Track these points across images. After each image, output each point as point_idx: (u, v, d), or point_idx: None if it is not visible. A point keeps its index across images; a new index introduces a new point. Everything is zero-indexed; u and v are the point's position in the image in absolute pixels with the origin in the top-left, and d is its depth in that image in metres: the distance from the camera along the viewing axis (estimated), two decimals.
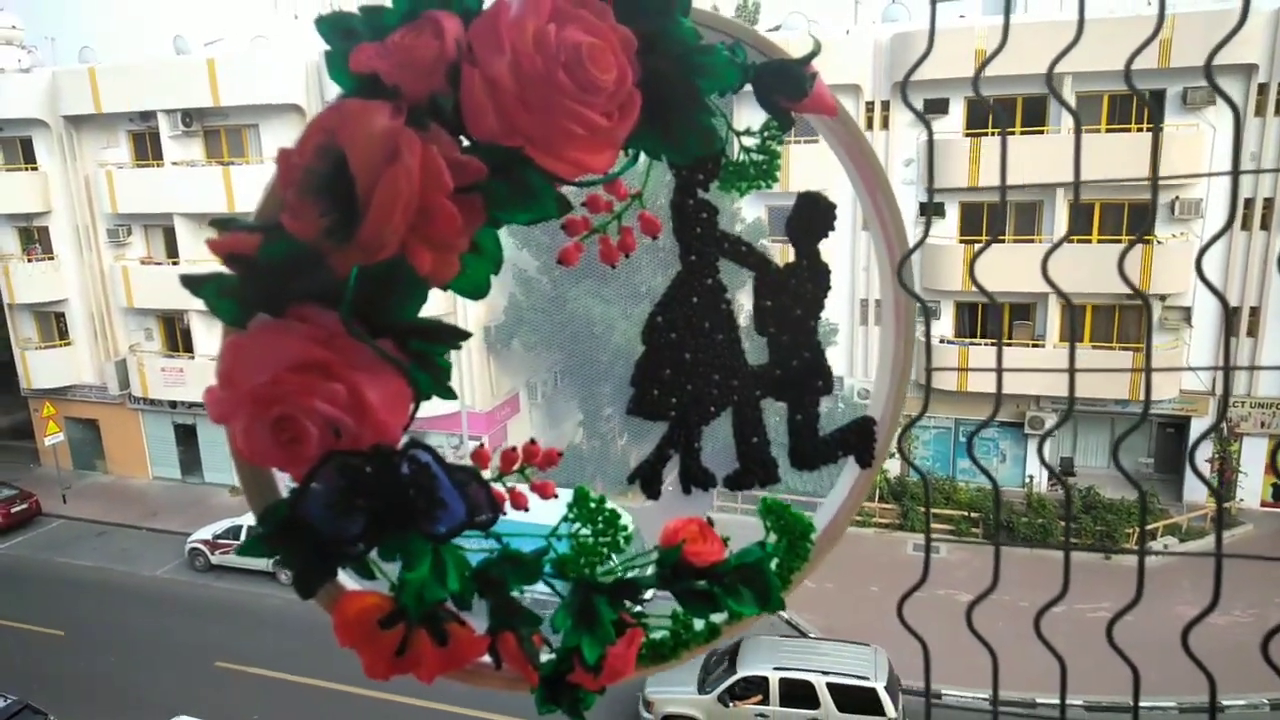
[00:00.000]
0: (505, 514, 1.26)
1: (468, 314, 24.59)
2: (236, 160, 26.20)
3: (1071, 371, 1.71)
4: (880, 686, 14.49)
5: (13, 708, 15.72)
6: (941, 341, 24.00)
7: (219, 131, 26.45)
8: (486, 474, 1.26)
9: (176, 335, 28.18)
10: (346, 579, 1.25)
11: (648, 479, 1.56)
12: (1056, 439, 24.22)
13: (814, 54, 1.33)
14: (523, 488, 1.40)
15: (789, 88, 1.31)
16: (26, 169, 27.96)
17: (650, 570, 1.45)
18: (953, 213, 23.71)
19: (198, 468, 28.70)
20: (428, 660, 1.22)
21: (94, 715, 16.76)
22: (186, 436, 28.64)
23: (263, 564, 21.69)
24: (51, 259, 28.44)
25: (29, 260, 28.52)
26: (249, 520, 22.56)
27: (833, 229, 1.64)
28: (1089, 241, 22.27)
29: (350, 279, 1.02)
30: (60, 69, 27.48)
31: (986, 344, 23.36)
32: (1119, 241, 21.51)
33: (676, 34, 1.13)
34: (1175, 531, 22.10)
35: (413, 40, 1.01)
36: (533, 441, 1.44)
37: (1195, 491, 22.99)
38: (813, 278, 1.63)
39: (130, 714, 16.43)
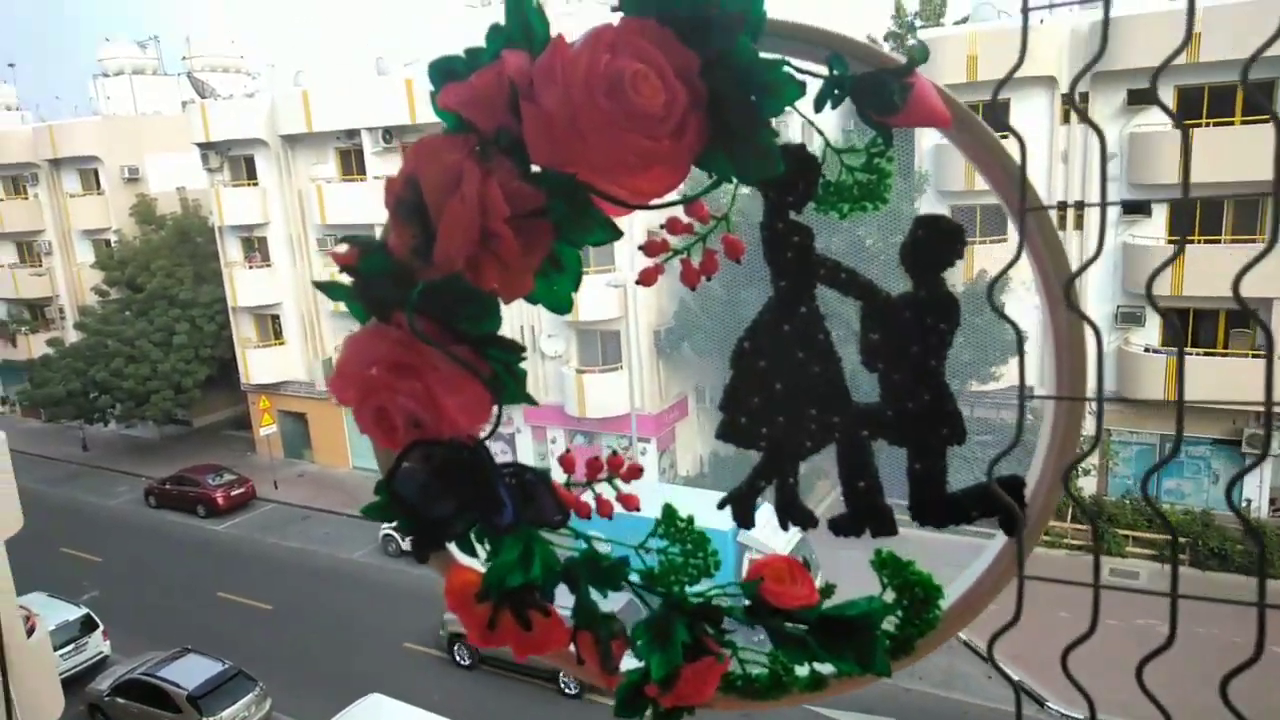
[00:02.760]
0: (583, 517, 1.33)
1: (638, 320, 25.01)
2: None
3: None
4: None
5: (228, 673, 17.35)
6: (1146, 350, 22.17)
7: None
8: (569, 478, 1.36)
9: None
10: (459, 552, 1.34)
11: (739, 507, 1.50)
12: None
13: (915, 63, 1.20)
14: (611, 495, 1.44)
15: (878, 101, 1.20)
16: (249, 184, 30.90)
17: (738, 602, 1.42)
18: (1160, 211, 21.85)
19: None
20: (515, 639, 1.30)
21: (295, 685, 18.24)
22: None
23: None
24: (269, 266, 31.27)
25: (250, 267, 31.49)
26: None
27: (959, 256, 1.43)
28: None
29: (416, 289, 1.12)
30: (278, 93, 30.19)
31: (1199, 353, 21.35)
32: None
33: (734, 53, 1.09)
34: None
35: (483, 78, 1.08)
36: (615, 453, 1.45)
37: None
38: (933, 311, 1.42)
39: (328, 687, 17.75)
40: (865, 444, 1.46)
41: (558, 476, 1.37)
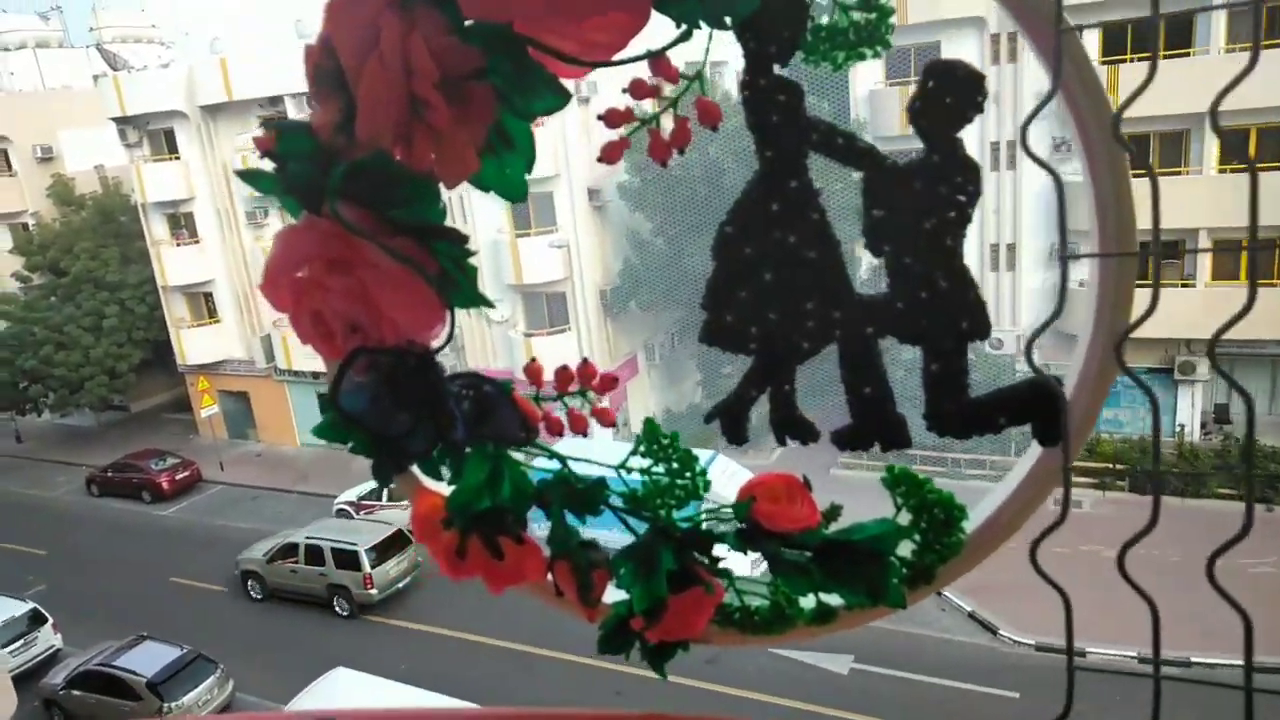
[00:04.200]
0: (554, 435, 1.23)
1: (583, 279, 24.87)
2: None
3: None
4: (362, 549, 19.63)
5: (187, 657, 17.09)
6: (1080, 285, 22.70)
7: None
8: (537, 392, 1.24)
9: None
10: (424, 476, 1.25)
11: (729, 422, 1.29)
12: (1211, 384, 22.65)
13: None
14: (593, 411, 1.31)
15: None
16: (171, 159, 29.76)
17: (730, 526, 1.28)
18: None
19: None
20: (486, 569, 1.22)
21: (260, 666, 18.05)
22: (329, 406, 30.11)
23: (404, 521, 22.77)
24: (198, 242, 30.28)
25: (177, 245, 30.46)
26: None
27: (978, 110, 1.22)
28: (1243, 171, 20.52)
29: (337, 171, 0.99)
30: (195, 62, 29.02)
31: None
32: None
33: None
34: None
35: None
36: (586, 361, 1.29)
37: None
38: (949, 178, 1.20)
39: (293, 663, 17.61)
40: (871, 343, 1.26)
41: (525, 391, 1.24)
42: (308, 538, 20.68)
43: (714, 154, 22.72)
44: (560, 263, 24.96)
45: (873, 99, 23.39)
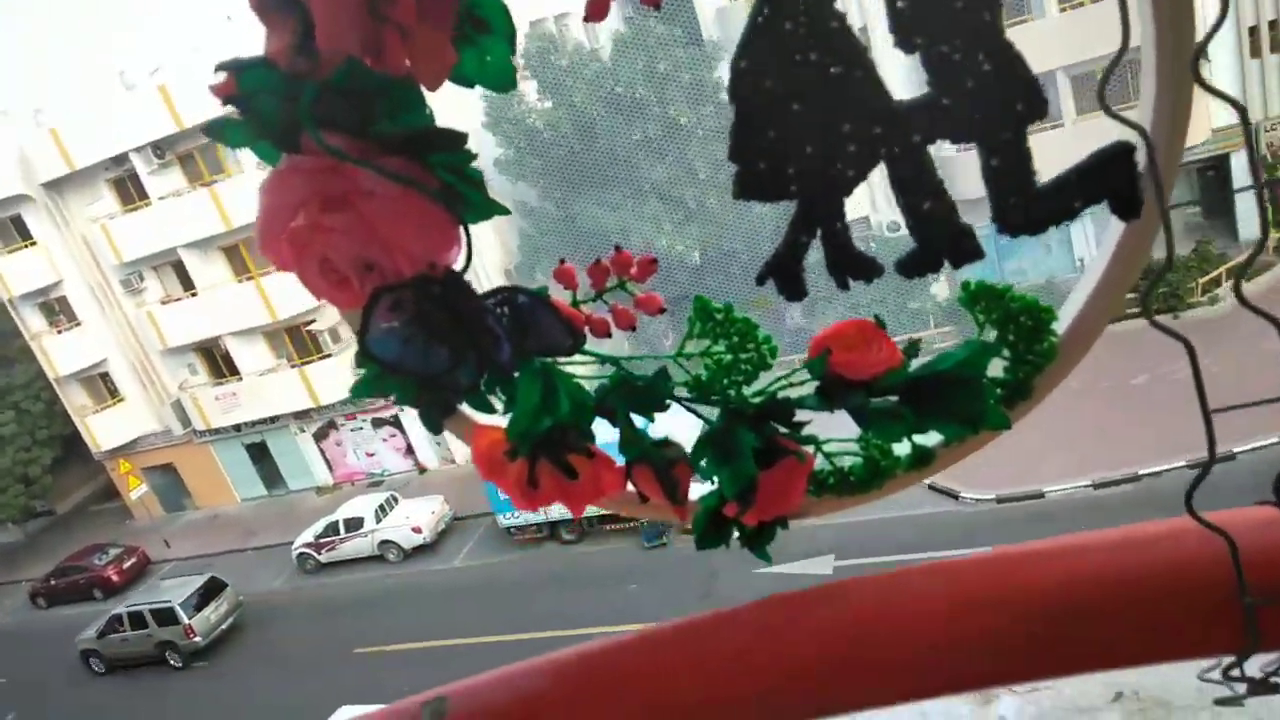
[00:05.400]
0: (601, 335, 1.15)
1: (485, 261, 24.54)
2: (219, 178, 26.01)
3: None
4: (176, 604, 21.36)
5: None
6: (959, 151, 23.29)
7: (193, 154, 26.20)
8: (574, 296, 1.15)
9: (219, 362, 28.59)
10: (475, 413, 1.19)
11: (785, 277, 1.16)
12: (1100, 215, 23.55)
13: None
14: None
15: None
16: (26, 245, 28.13)
17: (808, 388, 1.20)
18: None
19: (280, 480, 29.47)
20: (563, 493, 1.17)
21: None
22: (260, 454, 29.34)
23: (369, 549, 22.47)
24: (79, 325, 28.85)
25: (58, 332, 28.97)
26: (344, 514, 23.30)
27: None
28: (1083, 6, 21.22)
29: (307, 94, 0.91)
30: (24, 138, 27.30)
31: None
32: None
33: None
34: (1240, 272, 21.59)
35: None
36: (618, 249, 1.19)
37: (1250, 228, 22.33)
38: None
39: (288, 716, 17.32)
40: (922, 152, 1.11)
41: (561, 296, 1.16)
42: (127, 606, 22.34)
43: (580, 102, 22.48)
44: (459, 252, 24.53)
45: (720, 16, 23.36)
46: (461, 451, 25.96)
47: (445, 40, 0.90)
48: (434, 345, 1.05)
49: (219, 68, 0.93)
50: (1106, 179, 1.10)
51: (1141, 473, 16.07)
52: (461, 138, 0.98)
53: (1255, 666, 1.08)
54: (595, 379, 1.17)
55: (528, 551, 21.20)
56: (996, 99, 1.07)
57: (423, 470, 27.42)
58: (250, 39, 0.96)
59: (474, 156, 0.99)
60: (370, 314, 1.02)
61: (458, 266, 1.05)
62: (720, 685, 1.29)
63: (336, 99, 0.91)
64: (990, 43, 1.05)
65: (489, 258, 24.92)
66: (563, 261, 1.18)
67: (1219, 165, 22.62)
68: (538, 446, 1.13)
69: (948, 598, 1.29)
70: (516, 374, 1.11)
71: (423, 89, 0.95)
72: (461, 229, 1.03)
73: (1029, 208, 1.11)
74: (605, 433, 1.17)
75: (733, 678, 1.29)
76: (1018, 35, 1.13)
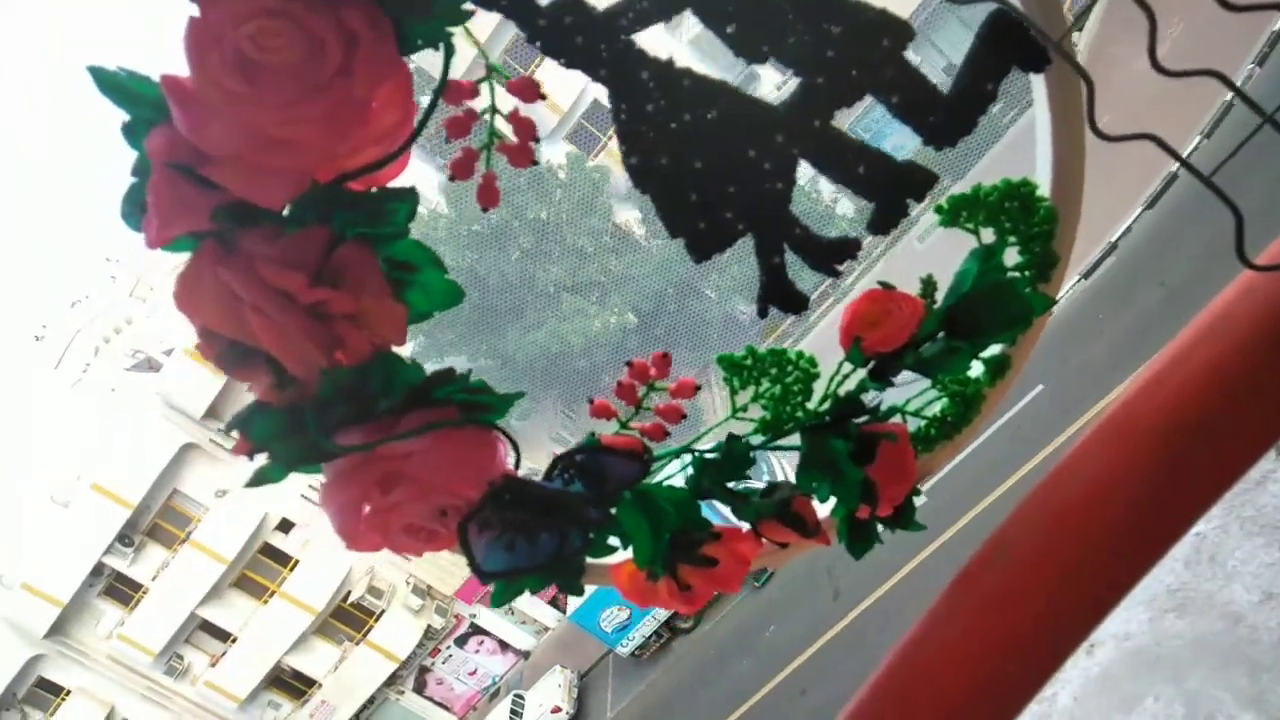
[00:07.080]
0: (659, 441, 1.17)
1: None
2: (190, 529, 25.80)
3: None
4: None
5: None
6: None
7: (156, 524, 26.01)
8: (618, 422, 1.18)
9: (291, 683, 27.89)
10: (601, 560, 1.22)
11: (782, 300, 1.16)
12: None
13: None
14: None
15: None
16: (63, 699, 27.50)
17: (859, 377, 1.21)
18: None
19: None
20: (713, 580, 1.19)
21: None
22: None
23: None
24: None
25: None
26: None
27: None
28: None
29: (310, 418, 0.95)
30: (3, 609, 26.89)
31: None
32: None
33: None
34: None
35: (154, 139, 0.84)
36: (630, 363, 1.19)
37: None
38: None
39: None
40: (828, 130, 1.10)
41: (606, 429, 1.18)
42: None
43: (451, 261, 22.72)
44: None
45: None
46: (548, 614, 25.53)
47: (388, 300, 0.92)
48: (534, 538, 1.09)
49: (228, 428, 1.00)
50: (1000, 50, 1.10)
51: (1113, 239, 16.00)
52: (451, 371, 1.01)
53: None
54: (681, 472, 1.20)
55: (662, 661, 20.70)
56: (863, 49, 1.07)
57: (527, 655, 26.82)
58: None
59: (468, 375, 1.02)
60: (468, 546, 1.06)
61: (511, 463, 1.08)
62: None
63: (332, 408, 0.95)
64: (828, 10, 1.06)
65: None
66: (591, 401, 1.19)
67: None
68: (670, 558, 1.16)
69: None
70: (614, 512, 1.15)
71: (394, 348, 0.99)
72: (495, 433, 1.06)
73: (950, 116, 1.11)
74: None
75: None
76: None
